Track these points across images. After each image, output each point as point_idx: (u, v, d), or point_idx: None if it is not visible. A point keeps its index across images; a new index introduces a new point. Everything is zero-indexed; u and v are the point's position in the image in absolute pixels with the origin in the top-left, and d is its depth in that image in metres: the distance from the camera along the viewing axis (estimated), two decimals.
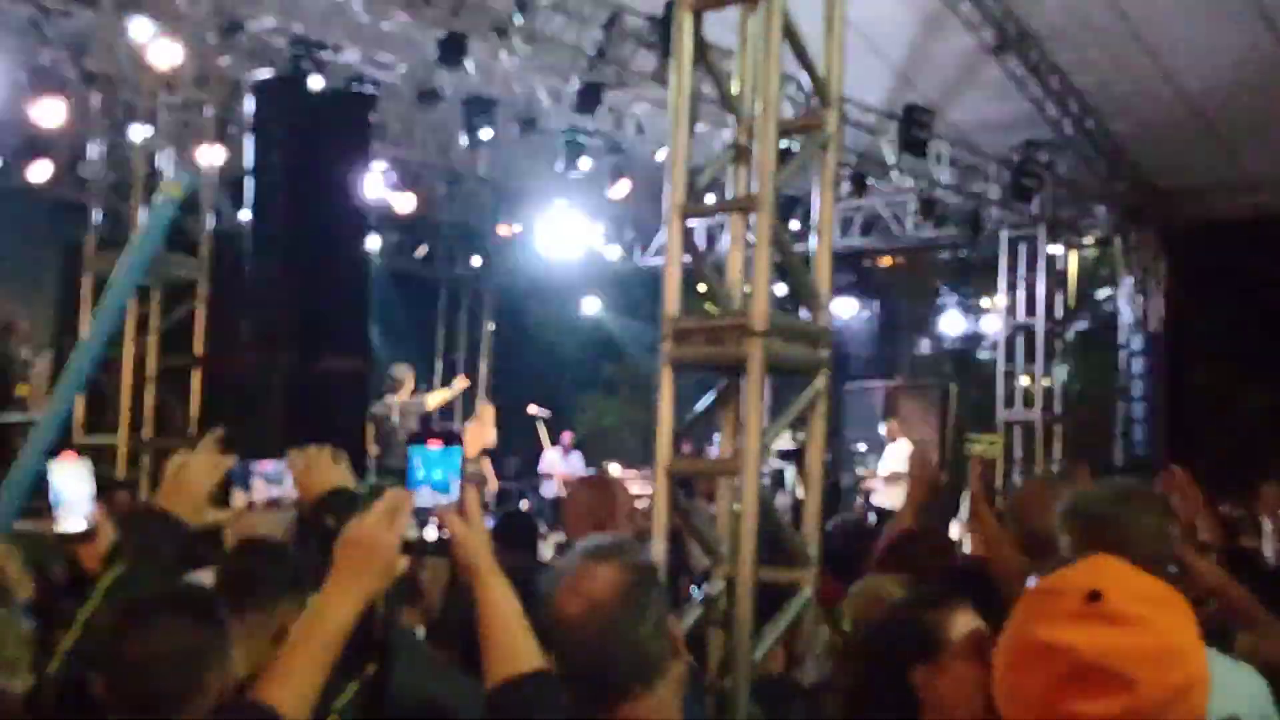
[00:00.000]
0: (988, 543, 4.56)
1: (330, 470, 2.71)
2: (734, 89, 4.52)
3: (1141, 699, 1.39)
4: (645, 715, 2.30)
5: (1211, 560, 3.84)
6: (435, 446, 2.26)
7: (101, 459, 10.75)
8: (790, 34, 4.24)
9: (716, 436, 5.03)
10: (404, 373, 13.02)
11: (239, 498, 2.89)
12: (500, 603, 2.27)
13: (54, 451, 2.88)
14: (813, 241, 4.48)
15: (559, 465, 16.78)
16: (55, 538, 2.88)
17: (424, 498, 2.23)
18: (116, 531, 2.81)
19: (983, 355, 19.95)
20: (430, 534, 2.23)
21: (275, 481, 2.93)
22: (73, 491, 2.83)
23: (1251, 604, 3.64)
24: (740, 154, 4.47)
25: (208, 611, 2.60)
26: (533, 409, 17.35)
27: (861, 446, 16.32)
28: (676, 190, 4.34)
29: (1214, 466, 10.95)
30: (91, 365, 9.56)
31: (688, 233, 4.41)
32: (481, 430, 15.52)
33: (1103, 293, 19.88)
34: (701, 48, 4.45)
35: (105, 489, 3.66)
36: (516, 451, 17.95)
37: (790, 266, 4.46)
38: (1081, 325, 19.09)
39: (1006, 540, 4.34)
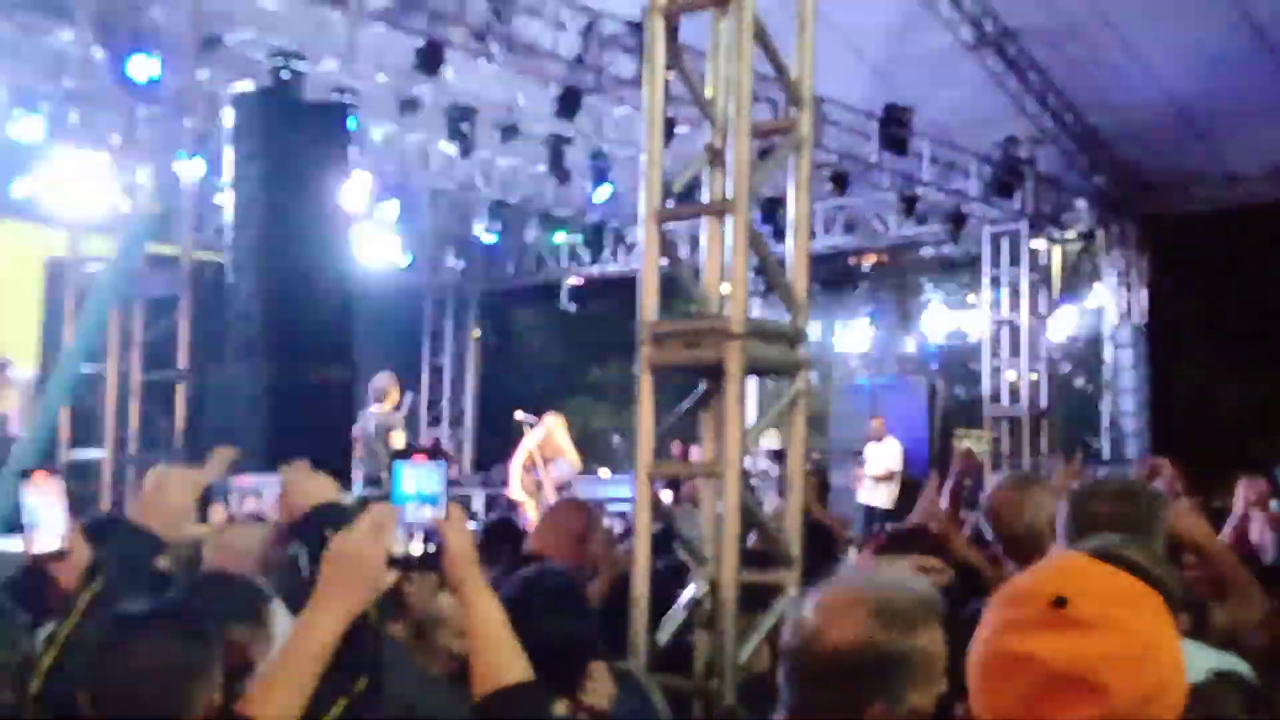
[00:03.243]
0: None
1: (322, 485, 2.71)
2: (708, 92, 4.53)
3: (1115, 703, 1.37)
4: None
5: (1197, 519, 3.84)
6: (420, 461, 2.27)
7: (87, 475, 10.73)
8: (761, 36, 4.25)
9: None
10: (387, 383, 12.96)
11: (218, 512, 2.88)
12: (487, 615, 2.29)
13: (27, 472, 2.87)
14: (789, 242, 4.49)
15: (547, 471, 16.71)
16: (29, 557, 2.88)
17: (410, 513, 2.24)
18: (91, 549, 2.81)
19: (968, 351, 19.97)
20: (416, 549, 2.24)
21: (254, 494, 2.92)
22: (46, 511, 2.82)
23: (1231, 562, 3.63)
24: (715, 157, 4.47)
25: (195, 627, 2.59)
26: (519, 415, 17.29)
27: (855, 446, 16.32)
28: (652, 194, 4.34)
29: (1198, 459, 10.97)
30: (74, 380, 9.54)
31: (664, 236, 4.42)
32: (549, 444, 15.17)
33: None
34: (676, 51, 4.46)
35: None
36: (504, 459, 17.91)
37: (767, 268, 4.48)
38: (1066, 319, 19.11)
39: (978, 559, 4.35)
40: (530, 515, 13.46)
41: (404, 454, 2.29)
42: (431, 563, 2.25)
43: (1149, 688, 1.40)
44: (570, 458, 15.13)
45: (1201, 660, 2.82)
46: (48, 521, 2.82)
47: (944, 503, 4.78)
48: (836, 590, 2.28)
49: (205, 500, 2.84)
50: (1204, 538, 3.66)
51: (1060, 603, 1.42)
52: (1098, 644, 1.39)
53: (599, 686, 3.21)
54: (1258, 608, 3.46)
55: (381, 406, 12.87)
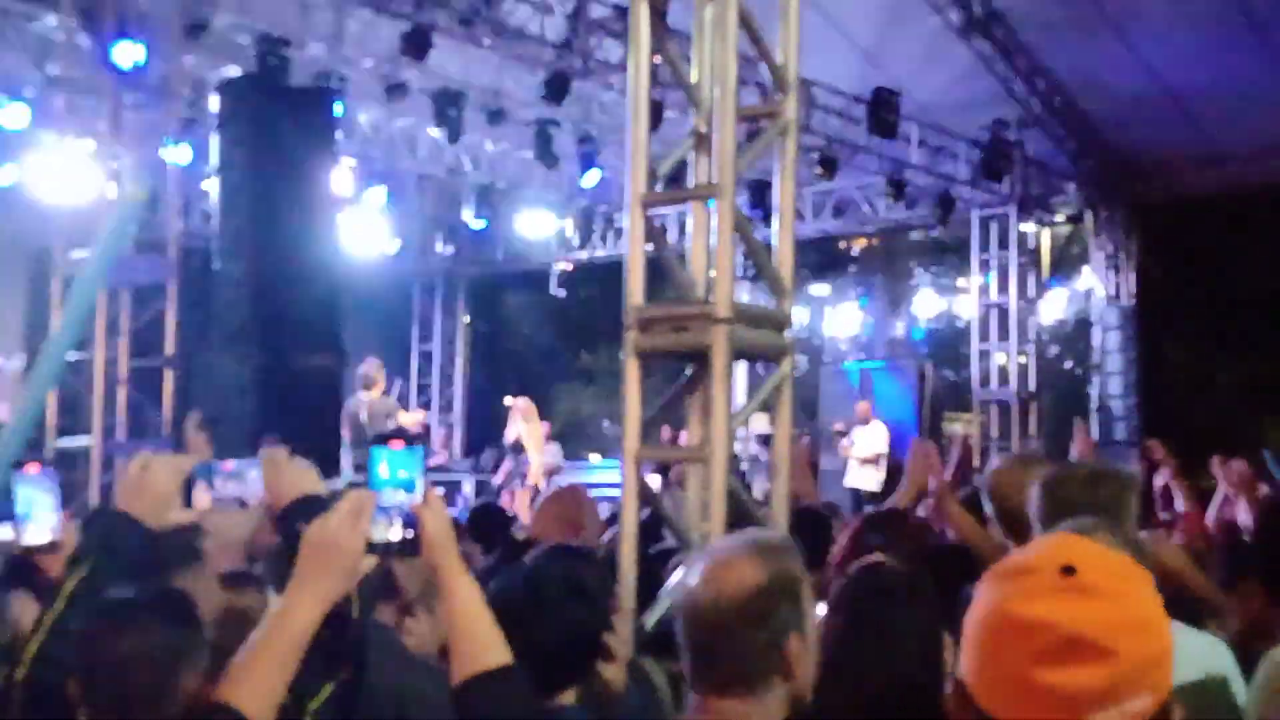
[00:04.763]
0: (959, 530, 4.58)
1: (301, 477, 2.71)
2: (693, 76, 4.52)
3: (1122, 668, 1.40)
4: (736, 718, 2.28)
5: (1179, 550, 3.97)
6: (398, 446, 2.28)
7: (74, 462, 10.71)
8: (746, 21, 4.24)
9: None
10: (375, 370, 12.98)
11: (202, 497, 2.88)
12: (466, 599, 2.29)
13: (19, 463, 2.86)
14: (775, 226, 4.49)
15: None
16: (20, 549, 2.87)
17: (388, 498, 2.24)
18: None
19: (957, 334, 20.03)
20: (395, 534, 2.24)
21: (239, 479, 2.91)
22: (39, 503, 2.81)
23: (1212, 591, 3.74)
24: (701, 141, 4.47)
25: (182, 613, 2.60)
26: (509, 401, 17.34)
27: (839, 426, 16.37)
28: (637, 179, 4.33)
29: (1189, 441, 11.02)
30: (59, 368, 9.50)
31: (650, 221, 4.41)
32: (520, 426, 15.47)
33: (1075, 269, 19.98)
34: (661, 36, 4.45)
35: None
36: (494, 444, 17.95)
37: (753, 253, 4.48)
38: (1055, 302, 19.17)
39: (973, 524, 4.37)
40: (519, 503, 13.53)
41: (381, 440, 2.29)
42: (410, 548, 2.26)
43: (1154, 655, 1.44)
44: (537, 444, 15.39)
45: (1187, 641, 2.86)
46: (39, 514, 2.81)
47: (936, 499, 4.78)
48: (712, 556, 2.39)
49: (190, 485, 2.84)
50: (1185, 570, 3.78)
51: (1069, 571, 1.44)
52: (1107, 610, 1.43)
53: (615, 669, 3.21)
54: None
55: (369, 393, 12.89)
